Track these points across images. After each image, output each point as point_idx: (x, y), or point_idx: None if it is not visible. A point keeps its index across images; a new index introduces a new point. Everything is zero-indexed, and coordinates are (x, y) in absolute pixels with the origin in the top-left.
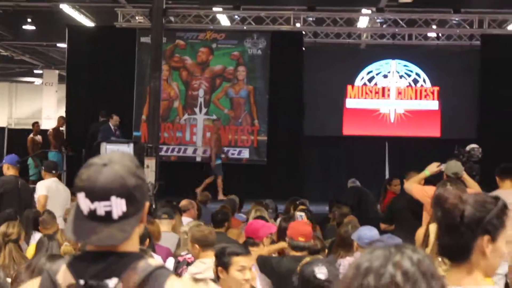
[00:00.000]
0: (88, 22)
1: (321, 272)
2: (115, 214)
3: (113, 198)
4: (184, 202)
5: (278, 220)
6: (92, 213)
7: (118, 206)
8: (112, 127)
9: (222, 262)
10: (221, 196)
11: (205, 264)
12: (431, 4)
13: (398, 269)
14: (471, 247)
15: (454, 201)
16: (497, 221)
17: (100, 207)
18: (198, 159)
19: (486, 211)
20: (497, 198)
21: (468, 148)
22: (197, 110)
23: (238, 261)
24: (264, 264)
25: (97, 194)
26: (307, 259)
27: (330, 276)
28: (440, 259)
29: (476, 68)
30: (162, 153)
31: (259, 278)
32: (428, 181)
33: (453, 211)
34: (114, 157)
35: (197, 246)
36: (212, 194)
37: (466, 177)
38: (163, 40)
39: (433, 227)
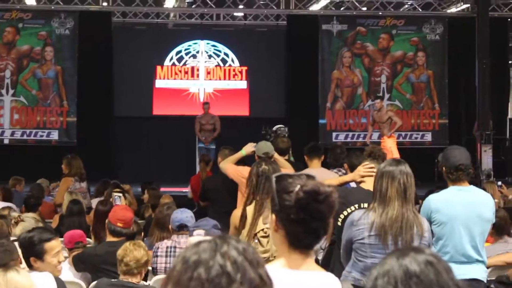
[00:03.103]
0: None
1: None
2: None
3: None
4: None
5: (91, 201)
6: None
7: None
8: None
9: (34, 252)
10: None
11: None
12: None
13: (227, 259)
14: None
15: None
16: None
17: None
18: (6, 141)
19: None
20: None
21: (274, 128)
22: (3, 91)
23: (52, 246)
24: (80, 262)
25: None
26: (127, 245)
27: None
28: (256, 240)
29: (282, 48)
30: None
31: (79, 277)
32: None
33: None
34: None
35: None
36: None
37: (277, 156)
38: None
39: (250, 209)
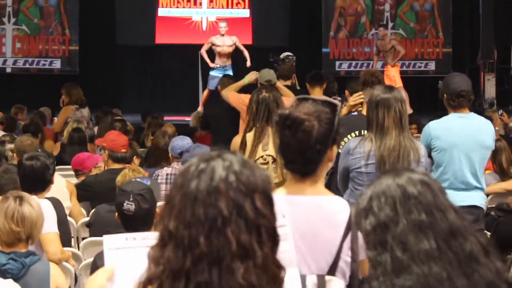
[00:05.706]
0: None
1: (128, 208)
2: None
3: None
4: None
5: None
6: None
7: None
8: None
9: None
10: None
11: None
12: None
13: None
14: (322, 160)
15: (310, 123)
16: (339, 128)
17: None
18: (9, 70)
19: (332, 123)
20: (333, 105)
21: (282, 55)
22: (5, 20)
23: None
24: (80, 190)
25: None
26: (126, 171)
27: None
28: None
29: None
30: None
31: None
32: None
33: (310, 132)
34: None
35: None
36: None
37: (279, 85)
38: None
39: (249, 136)
